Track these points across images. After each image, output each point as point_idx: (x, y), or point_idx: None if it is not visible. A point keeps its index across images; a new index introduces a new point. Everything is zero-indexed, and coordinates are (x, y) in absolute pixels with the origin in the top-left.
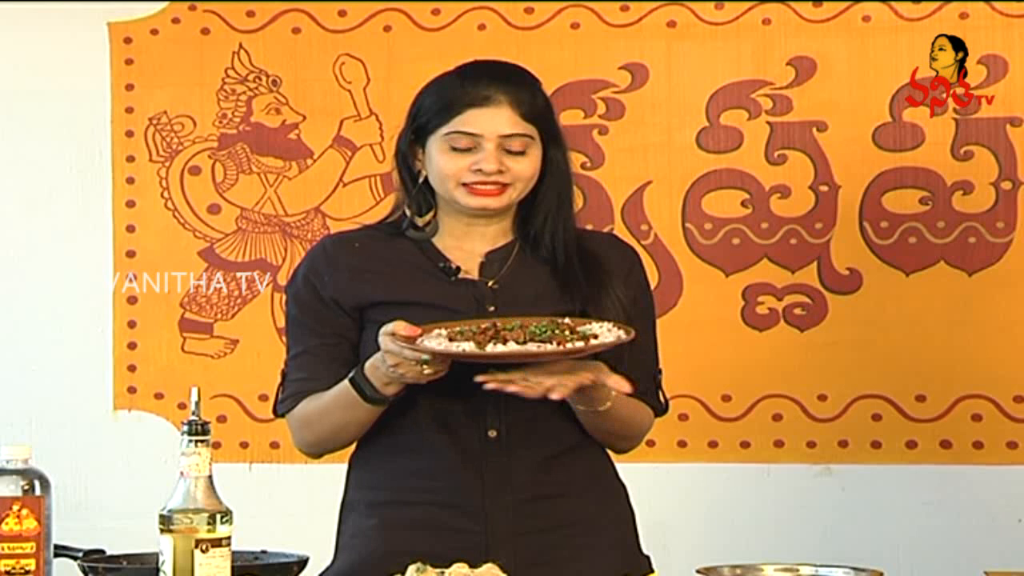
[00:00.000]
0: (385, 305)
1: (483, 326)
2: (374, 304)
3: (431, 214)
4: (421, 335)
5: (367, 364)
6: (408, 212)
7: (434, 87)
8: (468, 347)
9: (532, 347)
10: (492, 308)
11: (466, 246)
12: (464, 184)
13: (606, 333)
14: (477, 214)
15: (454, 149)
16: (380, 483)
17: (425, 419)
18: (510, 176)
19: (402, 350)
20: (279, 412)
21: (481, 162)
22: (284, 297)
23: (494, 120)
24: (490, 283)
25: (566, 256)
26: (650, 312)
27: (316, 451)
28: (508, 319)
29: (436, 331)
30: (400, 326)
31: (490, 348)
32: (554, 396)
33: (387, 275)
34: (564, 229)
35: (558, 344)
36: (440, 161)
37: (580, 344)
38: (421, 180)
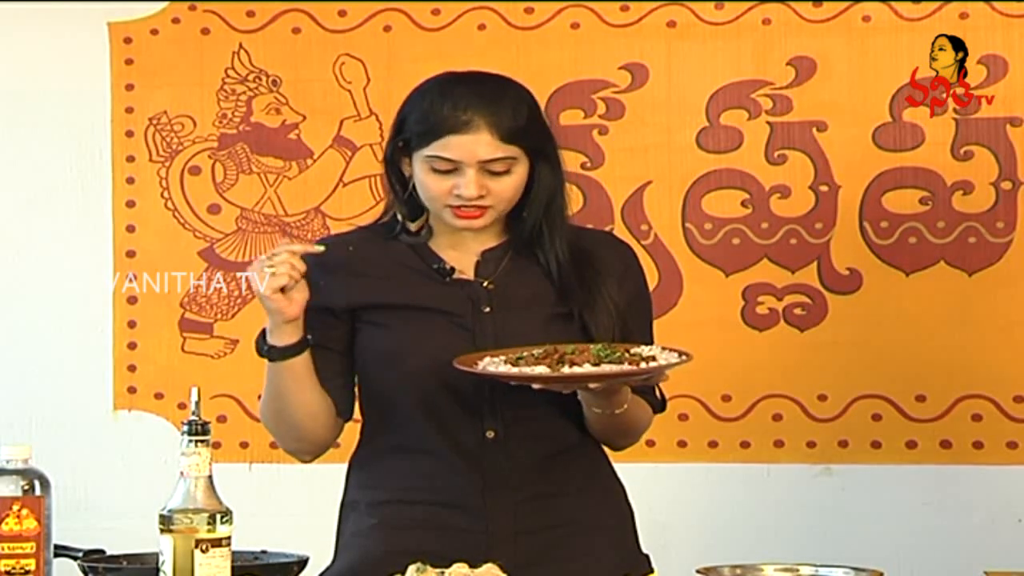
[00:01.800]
0: (379, 308)
1: (542, 351)
2: (368, 307)
3: (424, 219)
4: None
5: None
6: (400, 216)
7: (417, 102)
8: (541, 370)
9: (608, 368)
10: (487, 309)
11: (460, 246)
12: (449, 206)
13: (663, 354)
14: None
15: (435, 171)
16: (380, 483)
17: (423, 420)
18: (491, 198)
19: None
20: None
21: (461, 187)
22: None
23: (473, 146)
24: (485, 283)
25: (558, 262)
26: (647, 311)
27: (291, 446)
28: (564, 344)
29: (489, 358)
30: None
31: (565, 370)
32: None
33: (382, 279)
34: (554, 238)
35: (630, 364)
36: (424, 180)
37: (654, 364)
38: (411, 186)
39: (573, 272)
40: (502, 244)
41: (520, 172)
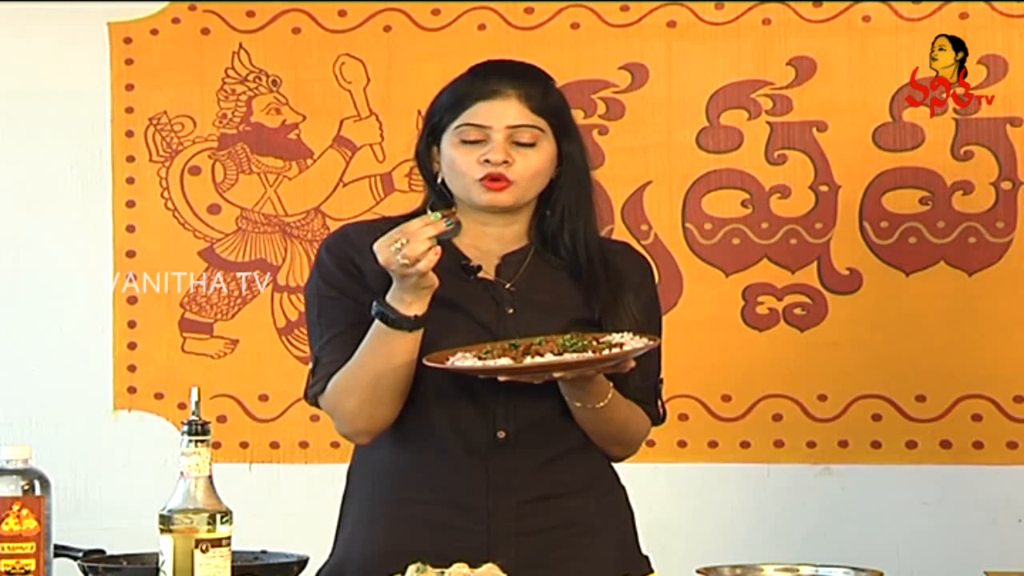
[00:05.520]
0: None
1: (511, 343)
2: None
3: (455, 208)
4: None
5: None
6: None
7: (448, 87)
8: (504, 362)
9: (570, 357)
10: (511, 310)
11: (482, 246)
12: (479, 180)
13: (631, 340)
14: (490, 211)
15: (464, 142)
16: (383, 480)
17: (434, 418)
18: (516, 171)
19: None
20: (311, 394)
21: (489, 153)
22: (307, 284)
23: (503, 112)
24: (507, 285)
25: (588, 258)
26: (658, 323)
27: (360, 424)
28: (531, 336)
29: (461, 353)
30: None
31: (528, 361)
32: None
33: None
34: (585, 229)
35: (593, 352)
36: (452, 155)
37: (616, 351)
38: (439, 181)
39: (601, 276)
40: (523, 248)
41: (546, 149)
